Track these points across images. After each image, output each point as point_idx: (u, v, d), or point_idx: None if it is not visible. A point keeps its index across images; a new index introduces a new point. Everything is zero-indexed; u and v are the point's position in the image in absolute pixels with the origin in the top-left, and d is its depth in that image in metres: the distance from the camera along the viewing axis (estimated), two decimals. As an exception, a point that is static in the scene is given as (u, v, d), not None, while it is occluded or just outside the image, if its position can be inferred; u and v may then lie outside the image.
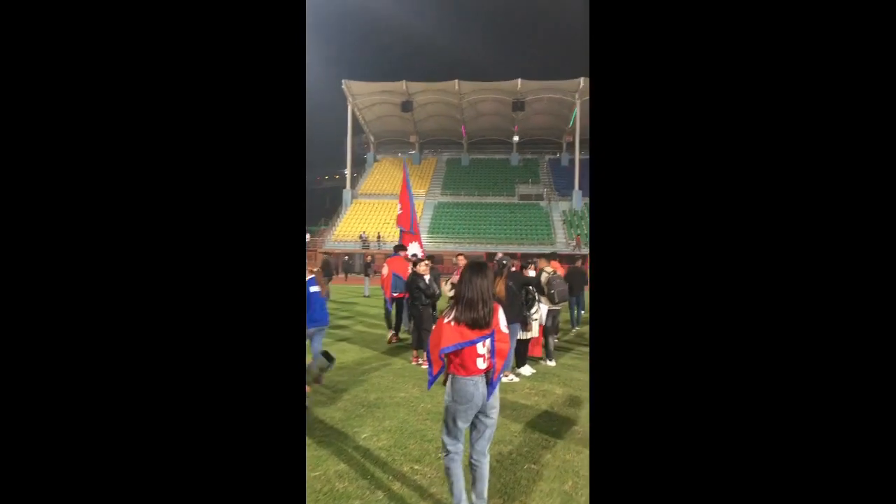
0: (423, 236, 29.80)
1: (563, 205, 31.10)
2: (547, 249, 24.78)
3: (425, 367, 5.73)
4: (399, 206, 8.71)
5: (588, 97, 30.13)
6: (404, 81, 31.09)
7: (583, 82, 29.09)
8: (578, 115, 30.80)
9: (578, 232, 27.92)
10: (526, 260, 5.73)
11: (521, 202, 31.86)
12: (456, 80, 30.69)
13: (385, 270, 6.89)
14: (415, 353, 5.97)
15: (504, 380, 4.96)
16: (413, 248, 8.15)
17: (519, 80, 30.10)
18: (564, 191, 32.04)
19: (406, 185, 8.61)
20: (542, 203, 31.66)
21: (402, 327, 6.93)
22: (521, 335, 5.25)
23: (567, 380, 5.06)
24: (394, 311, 7.07)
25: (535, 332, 5.38)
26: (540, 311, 5.34)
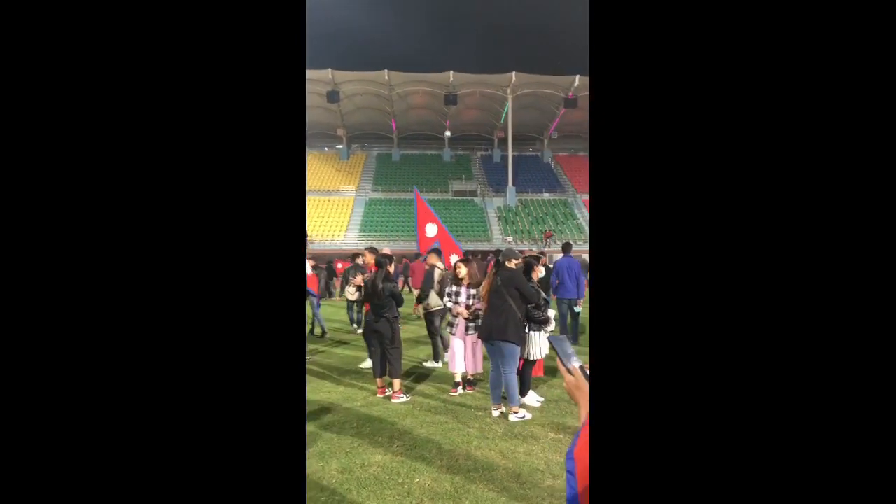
0: (354, 234, 28.58)
1: (497, 201, 30.98)
2: (483, 246, 24.32)
3: (397, 399, 4.61)
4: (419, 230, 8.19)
5: (520, 92, 30.20)
6: (330, 70, 29.05)
7: (514, 77, 28.95)
8: (510, 111, 30.71)
9: (516, 229, 27.79)
10: (507, 256, 4.35)
11: (455, 198, 31.29)
12: (385, 71, 29.26)
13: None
14: (380, 381, 4.81)
15: (514, 418, 3.97)
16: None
17: (451, 73, 29.34)
18: (498, 187, 31.96)
19: (424, 207, 8.11)
20: (477, 199, 31.32)
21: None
22: (530, 354, 4.30)
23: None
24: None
25: (544, 349, 4.45)
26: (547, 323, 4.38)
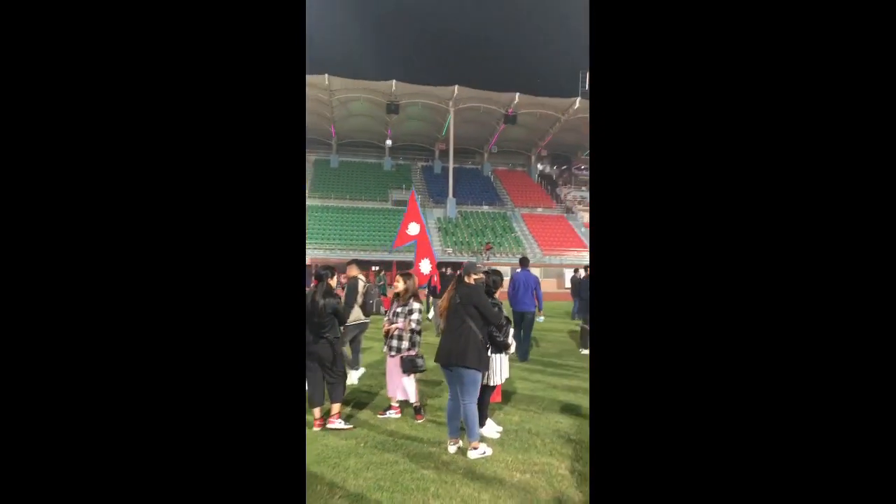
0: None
1: (438, 212, 30.75)
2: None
3: (333, 424, 4.04)
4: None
5: (461, 106, 30.35)
6: (266, 69, 27.55)
7: (457, 90, 29.05)
8: (452, 124, 30.75)
9: (458, 240, 27.65)
10: (468, 270, 3.79)
11: (394, 208, 30.68)
12: (326, 75, 28.29)
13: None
14: (317, 412, 4.20)
15: (473, 455, 3.52)
16: (425, 266, 7.46)
17: (393, 82, 28.91)
18: (438, 198, 31.77)
19: (414, 207, 8.05)
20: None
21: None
22: (488, 380, 3.89)
23: (547, 435, 3.83)
24: None
25: (504, 373, 4.05)
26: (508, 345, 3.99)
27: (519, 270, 7.30)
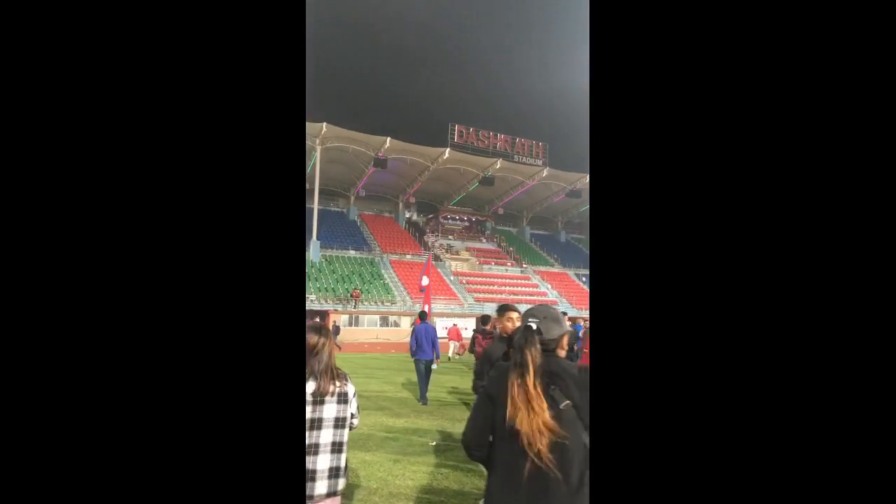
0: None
1: (299, 256, 27.94)
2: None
3: None
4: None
5: (329, 145, 28.74)
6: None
7: (325, 128, 27.46)
8: (318, 161, 28.85)
9: (326, 287, 25.06)
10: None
11: (248, 250, 27.03)
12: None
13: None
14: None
15: None
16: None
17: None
18: (300, 240, 29.03)
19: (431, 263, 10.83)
20: (275, 252, 27.67)
21: None
22: None
23: None
24: None
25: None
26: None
27: (419, 324, 7.80)
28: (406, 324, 24.23)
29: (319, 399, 1.95)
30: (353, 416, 2.06)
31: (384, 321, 24.81)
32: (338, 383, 1.99)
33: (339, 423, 1.97)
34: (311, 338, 2.01)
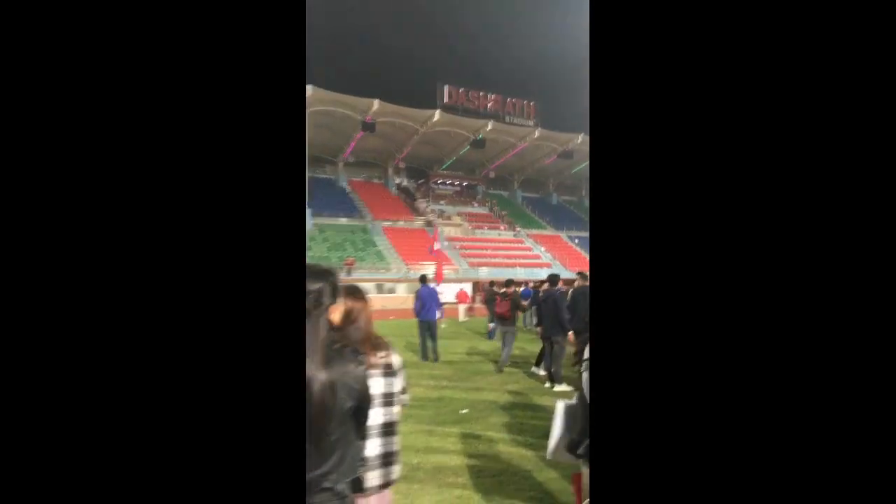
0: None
1: (290, 225, 27.48)
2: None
3: None
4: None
5: (315, 108, 27.74)
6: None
7: (311, 90, 26.43)
8: (305, 127, 27.94)
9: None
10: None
11: (237, 220, 26.50)
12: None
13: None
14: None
15: None
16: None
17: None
18: (290, 209, 28.48)
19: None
20: (265, 222, 27.18)
21: None
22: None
23: None
24: None
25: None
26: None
27: (422, 286, 8.13)
28: (401, 290, 24.16)
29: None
30: (403, 390, 1.82)
31: (379, 288, 24.69)
32: (381, 353, 1.73)
33: (388, 399, 1.72)
34: (346, 303, 1.62)
